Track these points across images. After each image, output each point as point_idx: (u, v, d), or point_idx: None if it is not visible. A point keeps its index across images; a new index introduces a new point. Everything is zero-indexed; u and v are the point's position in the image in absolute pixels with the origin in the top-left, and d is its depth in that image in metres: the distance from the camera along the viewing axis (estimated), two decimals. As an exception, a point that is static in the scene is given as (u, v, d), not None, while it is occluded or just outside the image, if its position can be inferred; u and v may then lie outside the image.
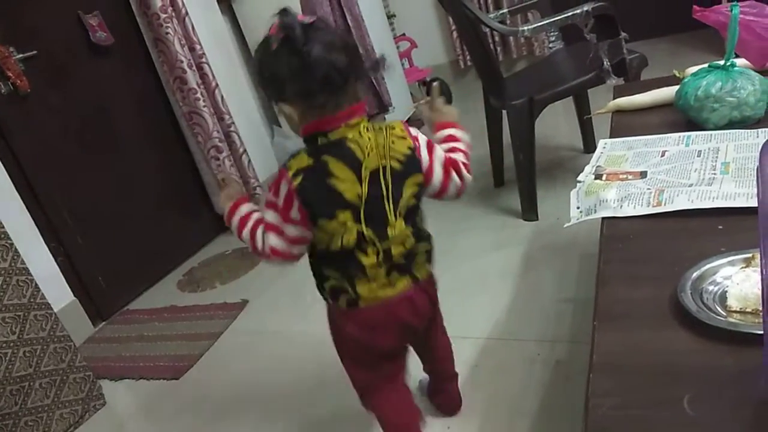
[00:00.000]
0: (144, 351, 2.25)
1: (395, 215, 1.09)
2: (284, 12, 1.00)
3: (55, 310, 1.89)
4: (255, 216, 1.17)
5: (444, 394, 1.51)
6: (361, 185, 1.06)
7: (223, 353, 2.11)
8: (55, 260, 2.40)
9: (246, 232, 1.16)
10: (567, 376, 1.52)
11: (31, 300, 1.79)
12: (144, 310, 2.59)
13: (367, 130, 1.08)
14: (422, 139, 1.14)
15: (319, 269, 1.17)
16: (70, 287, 2.43)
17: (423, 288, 1.19)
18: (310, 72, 0.99)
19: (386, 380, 1.28)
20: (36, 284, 1.81)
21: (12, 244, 1.75)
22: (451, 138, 1.24)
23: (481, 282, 2.04)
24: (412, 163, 1.10)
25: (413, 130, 1.14)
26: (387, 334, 1.20)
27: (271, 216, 1.12)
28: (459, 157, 1.20)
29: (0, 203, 1.80)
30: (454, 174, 1.17)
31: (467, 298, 1.95)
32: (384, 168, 1.07)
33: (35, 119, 2.42)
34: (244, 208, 1.20)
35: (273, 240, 1.11)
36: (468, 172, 1.20)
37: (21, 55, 2.35)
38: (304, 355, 1.94)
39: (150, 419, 1.91)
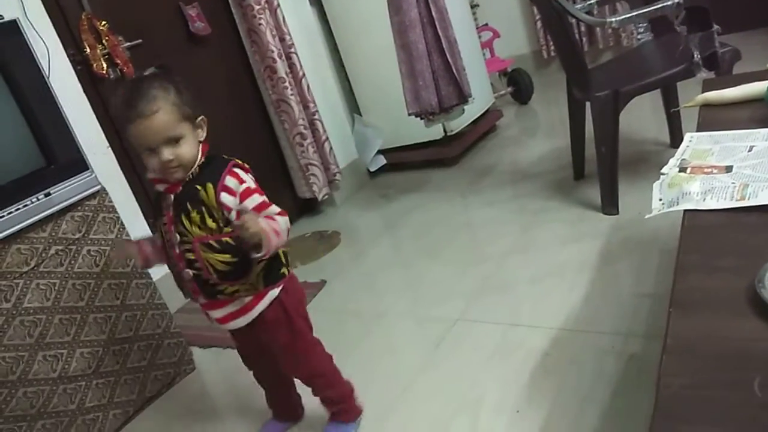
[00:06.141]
0: (230, 323, 2.39)
1: None
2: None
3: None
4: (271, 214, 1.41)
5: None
6: None
7: (303, 329, 2.21)
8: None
9: (282, 228, 1.42)
10: (640, 369, 1.53)
11: (134, 269, 1.95)
12: (230, 285, 2.74)
13: None
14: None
15: None
16: (165, 261, 2.61)
17: None
18: None
19: None
20: (138, 255, 1.96)
21: (118, 218, 1.91)
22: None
23: (557, 273, 2.04)
24: None
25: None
26: None
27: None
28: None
29: (108, 181, 1.96)
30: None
31: (542, 289, 1.97)
32: None
33: (139, 103, 2.60)
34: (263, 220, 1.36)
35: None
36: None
37: (128, 44, 2.54)
38: (381, 335, 2.03)
39: (236, 385, 2.03)
